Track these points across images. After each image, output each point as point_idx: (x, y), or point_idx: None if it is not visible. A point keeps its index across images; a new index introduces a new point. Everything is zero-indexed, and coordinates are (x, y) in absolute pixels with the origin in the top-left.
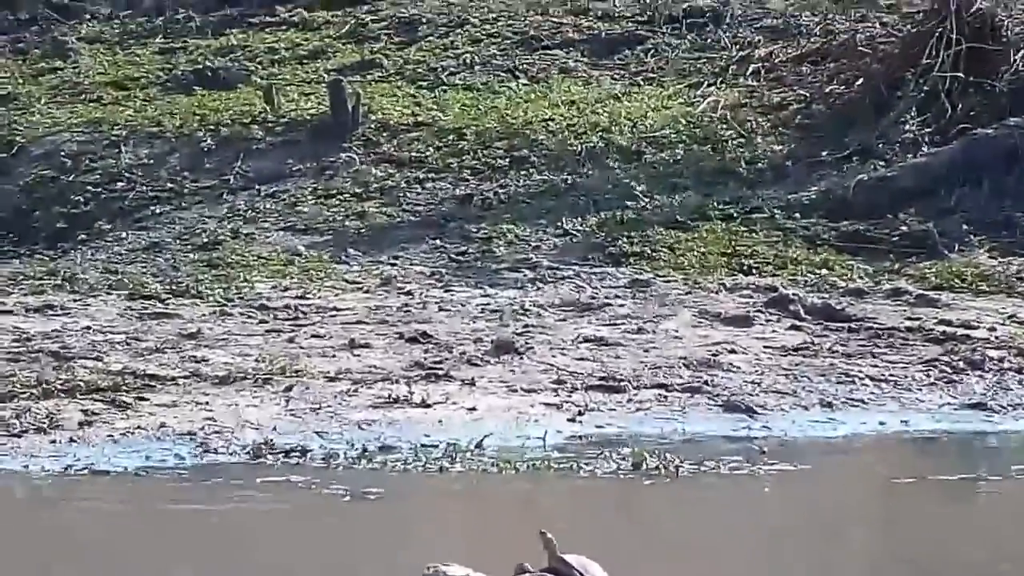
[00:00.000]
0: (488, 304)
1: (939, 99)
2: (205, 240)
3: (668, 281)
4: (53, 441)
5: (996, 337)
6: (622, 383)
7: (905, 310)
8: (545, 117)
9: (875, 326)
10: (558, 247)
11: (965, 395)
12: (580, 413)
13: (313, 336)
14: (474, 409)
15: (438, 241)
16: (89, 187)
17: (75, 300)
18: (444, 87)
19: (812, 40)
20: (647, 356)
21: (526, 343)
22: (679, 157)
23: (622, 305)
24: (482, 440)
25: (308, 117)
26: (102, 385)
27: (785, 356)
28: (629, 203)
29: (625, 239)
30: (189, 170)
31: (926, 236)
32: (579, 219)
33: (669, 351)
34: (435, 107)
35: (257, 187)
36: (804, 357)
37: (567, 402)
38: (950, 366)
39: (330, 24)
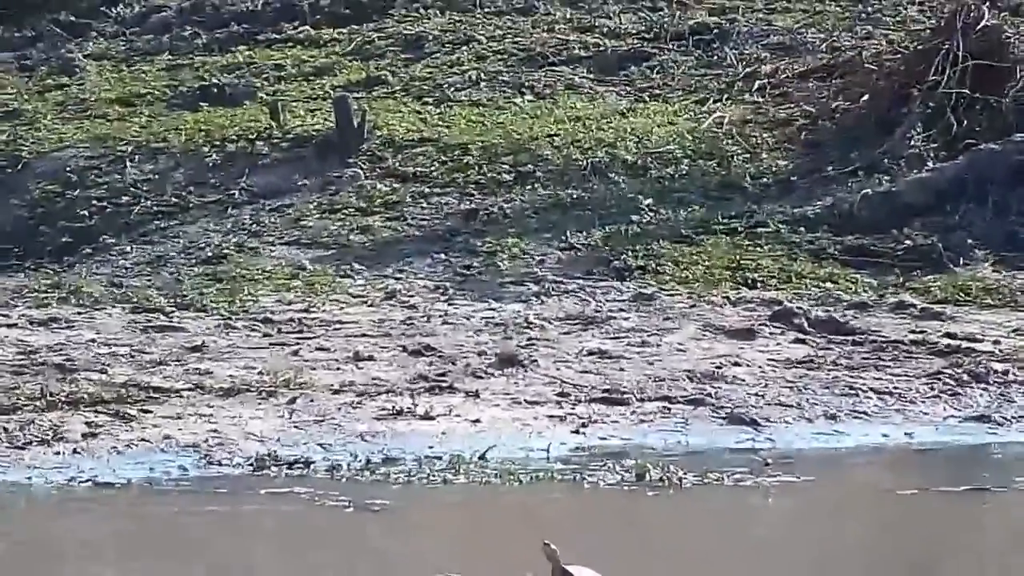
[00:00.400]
0: (492, 317)
1: (945, 115)
2: (210, 254)
3: (672, 295)
4: (57, 453)
5: (1000, 350)
6: (626, 396)
7: (910, 323)
8: (550, 133)
9: (880, 339)
10: (563, 261)
11: (969, 408)
12: (584, 425)
13: (317, 349)
14: (478, 421)
15: (443, 255)
16: (94, 202)
17: (80, 313)
18: (450, 103)
19: (818, 56)
20: (651, 369)
21: (530, 356)
22: (684, 172)
23: (626, 318)
24: (486, 452)
25: (314, 133)
26: (106, 397)
27: (789, 369)
28: (634, 217)
29: (630, 253)
30: (194, 185)
31: (931, 250)
32: (584, 233)
33: (673, 364)
34: (440, 123)
35: (262, 202)
36: (808, 370)
37: (571, 414)
38: (954, 379)
39: (336, 41)
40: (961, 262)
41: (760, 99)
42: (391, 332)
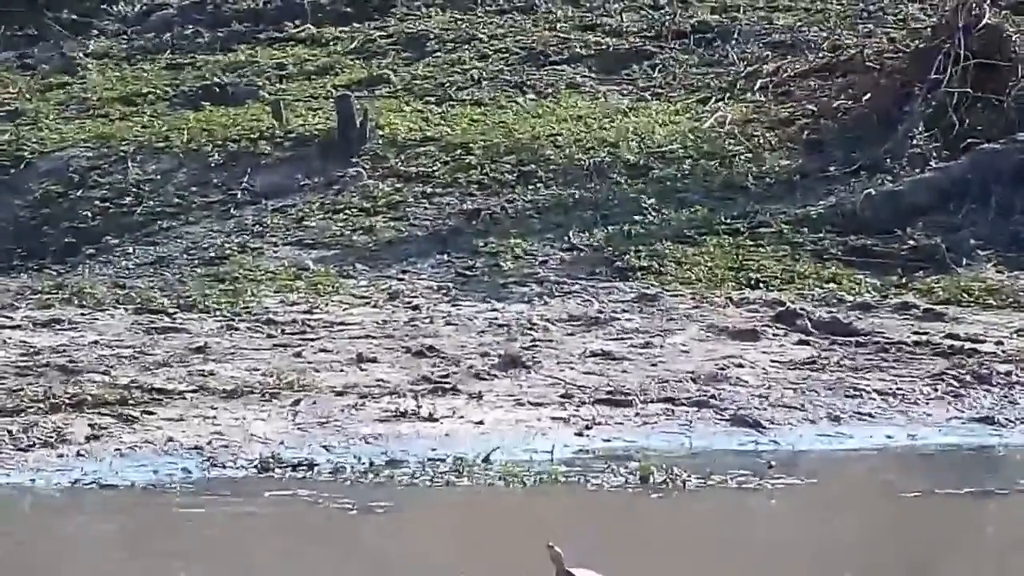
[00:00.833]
0: (495, 318)
1: (947, 114)
2: (212, 255)
3: (675, 295)
4: (61, 455)
5: (1003, 351)
6: (629, 397)
7: (913, 324)
8: (552, 132)
9: (883, 340)
10: (565, 261)
11: (972, 409)
12: (587, 427)
13: (320, 350)
14: (481, 423)
15: (445, 256)
16: (97, 202)
17: (83, 314)
18: (452, 102)
19: (820, 55)
20: (654, 370)
21: (533, 357)
22: (687, 172)
23: (629, 319)
24: (489, 454)
25: (316, 132)
26: (109, 399)
27: (793, 370)
28: (636, 218)
29: (632, 253)
30: (196, 185)
31: (934, 250)
32: (586, 233)
33: (676, 365)
34: (443, 122)
35: (264, 202)
36: (812, 371)
37: (574, 416)
38: (957, 380)
39: (338, 40)
40: (964, 262)
41: (762, 98)
42: (394, 333)
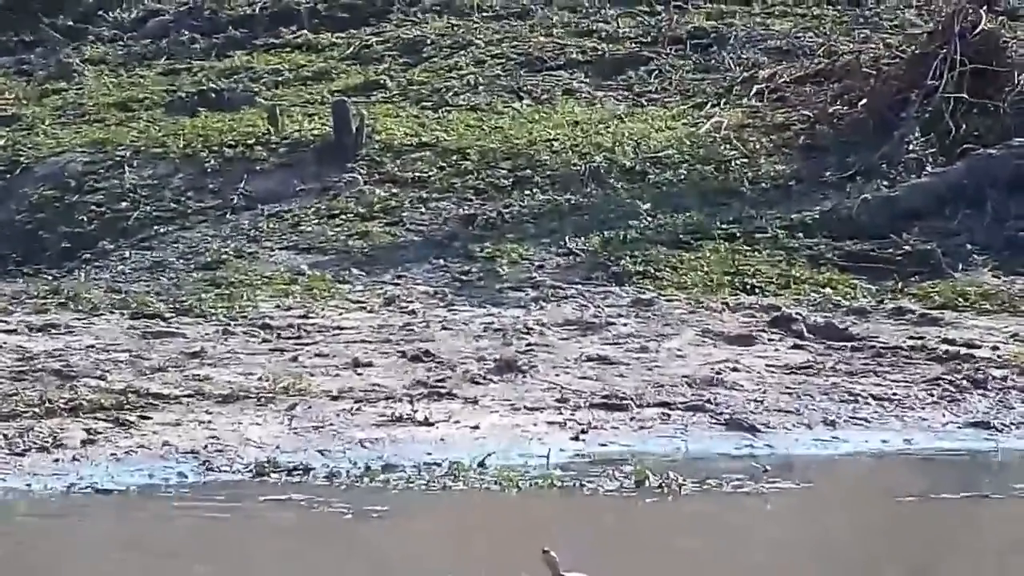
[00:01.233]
0: (491, 323)
1: (943, 120)
2: (208, 259)
3: (671, 300)
4: (56, 460)
5: (999, 356)
6: (625, 402)
7: (908, 329)
8: (549, 137)
9: (878, 345)
10: (561, 266)
11: (968, 414)
12: (583, 431)
13: (316, 355)
14: (477, 427)
15: (441, 260)
16: (93, 207)
17: (79, 319)
18: (448, 108)
19: (816, 61)
20: (650, 375)
21: (529, 362)
22: (682, 177)
23: (625, 324)
24: (485, 458)
25: (312, 138)
26: (105, 404)
27: (788, 375)
28: (632, 223)
29: (628, 258)
30: (193, 190)
31: (929, 255)
32: (582, 238)
33: (672, 370)
34: (439, 128)
35: (260, 207)
36: (807, 376)
37: (570, 420)
38: (953, 385)
39: (334, 46)
40: (960, 267)
41: (758, 103)
42: (390, 338)
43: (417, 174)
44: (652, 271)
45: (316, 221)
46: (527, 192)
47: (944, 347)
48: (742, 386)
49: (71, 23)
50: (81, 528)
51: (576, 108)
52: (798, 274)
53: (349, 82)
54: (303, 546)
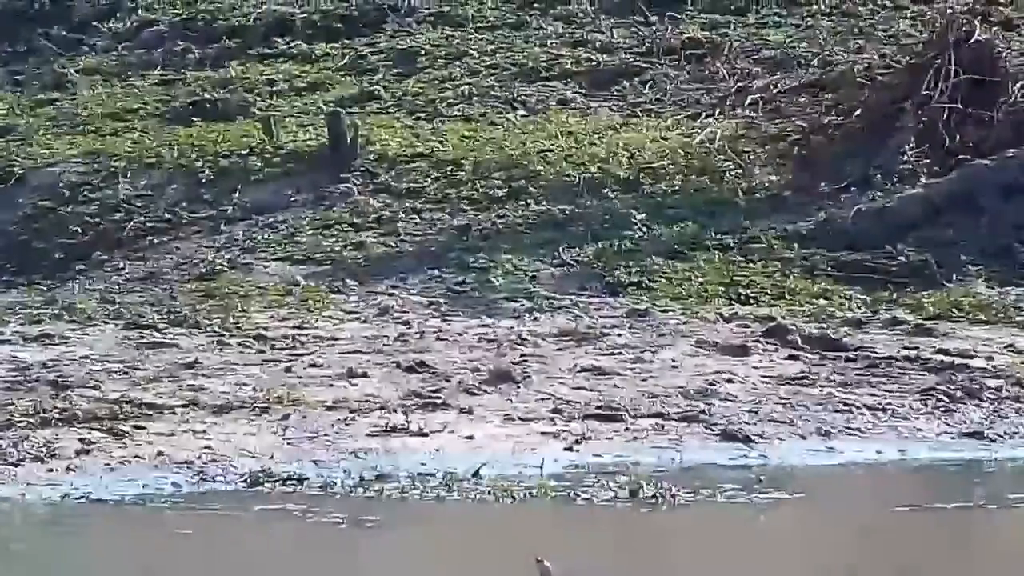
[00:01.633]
0: (485, 334)
1: (937, 130)
2: (203, 270)
3: (666, 311)
4: (51, 470)
5: (994, 366)
6: (619, 412)
7: (903, 340)
8: (543, 148)
9: (873, 356)
10: (556, 277)
11: (963, 424)
12: (577, 442)
13: (311, 365)
14: (471, 438)
15: (436, 271)
16: (87, 217)
17: (73, 329)
18: (442, 118)
19: (810, 71)
20: (644, 385)
21: (523, 372)
22: (677, 188)
23: (620, 335)
24: (479, 469)
25: (307, 148)
26: (99, 414)
27: (783, 385)
28: (627, 233)
29: (623, 269)
30: (187, 201)
31: (924, 266)
32: (577, 249)
33: (666, 380)
34: (433, 138)
35: (255, 218)
36: (802, 386)
37: (564, 431)
38: (948, 395)
39: (329, 56)
40: (954, 278)
41: (752, 114)
42: (384, 348)
43: (411, 185)
44: (647, 282)
45: (311, 232)
46: (521, 203)
47: (939, 357)
48: (736, 397)
49: (65, 33)
50: (75, 538)
51: (570, 119)
52: (793, 285)
53: (344, 93)
54: (297, 556)
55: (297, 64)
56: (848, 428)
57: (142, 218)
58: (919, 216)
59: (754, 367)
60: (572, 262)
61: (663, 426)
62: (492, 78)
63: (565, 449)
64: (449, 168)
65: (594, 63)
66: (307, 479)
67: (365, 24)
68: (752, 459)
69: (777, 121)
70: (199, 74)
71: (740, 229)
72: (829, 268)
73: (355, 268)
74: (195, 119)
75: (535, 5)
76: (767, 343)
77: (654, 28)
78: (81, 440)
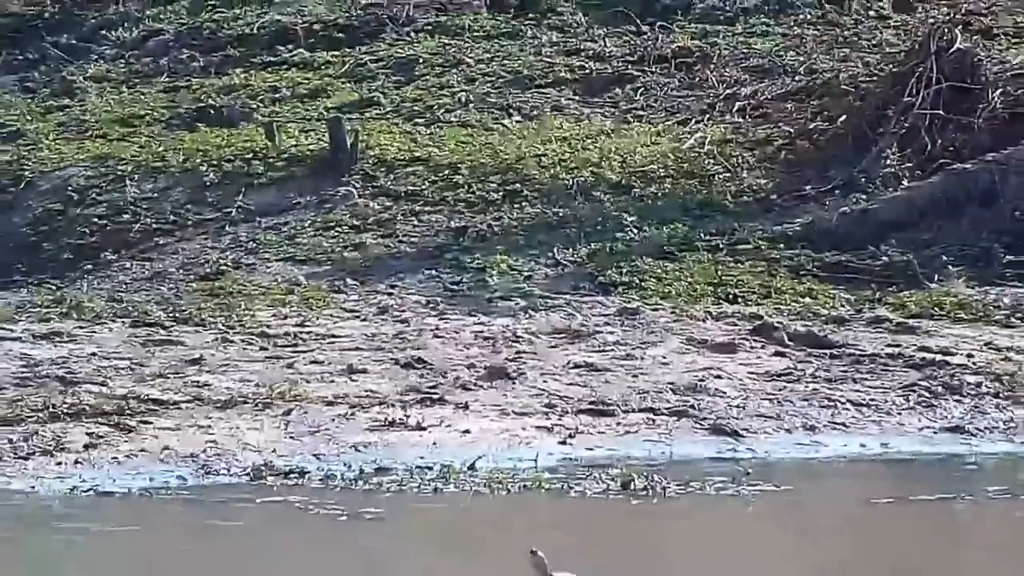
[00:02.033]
0: (481, 331)
1: (919, 135)
2: (208, 270)
3: (656, 309)
4: (59, 463)
5: (973, 363)
6: (611, 407)
7: (886, 337)
8: (537, 153)
9: (857, 352)
10: (549, 277)
11: (943, 419)
12: (570, 436)
13: (312, 362)
14: (468, 432)
15: (433, 271)
16: (95, 219)
17: (81, 327)
18: (440, 124)
19: (796, 79)
20: (635, 381)
21: (518, 369)
22: (667, 191)
23: (611, 332)
24: (475, 462)
25: (308, 153)
26: (107, 409)
27: (769, 381)
28: (618, 235)
29: (614, 269)
30: (192, 203)
31: (906, 266)
32: (570, 250)
33: (657, 376)
34: (431, 143)
35: (258, 219)
36: (788, 382)
37: (558, 425)
38: (929, 391)
39: (330, 64)
40: (936, 278)
41: (740, 120)
42: (383, 346)
43: (410, 188)
44: (637, 281)
45: (312, 233)
46: (516, 205)
47: (920, 354)
48: (724, 392)
49: (74, 42)
50: (82, 528)
51: (564, 124)
52: (779, 284)
53: (344, 99)
54: (298, 547)
55: (299, 72)
56: (833, 423)
57: (148, 220)
58: (902, 218)
59: (741, 364)
60: (565, 262)
61: (654, 421)
62: (488, 85)
63: (559, 443)
64: (446, 172)
65: (587, 71)
66: (308, 472)
67: (365, 33)
68: (740, 453)
69: (764, 126)
70: (203, 81)
71: (728, 231)
72: (814, 268)
73: (355, 268)
74: (200, 125)
75: (530, 15)
76: (754, 341)
77: (645, 37)
78: (89, 434)
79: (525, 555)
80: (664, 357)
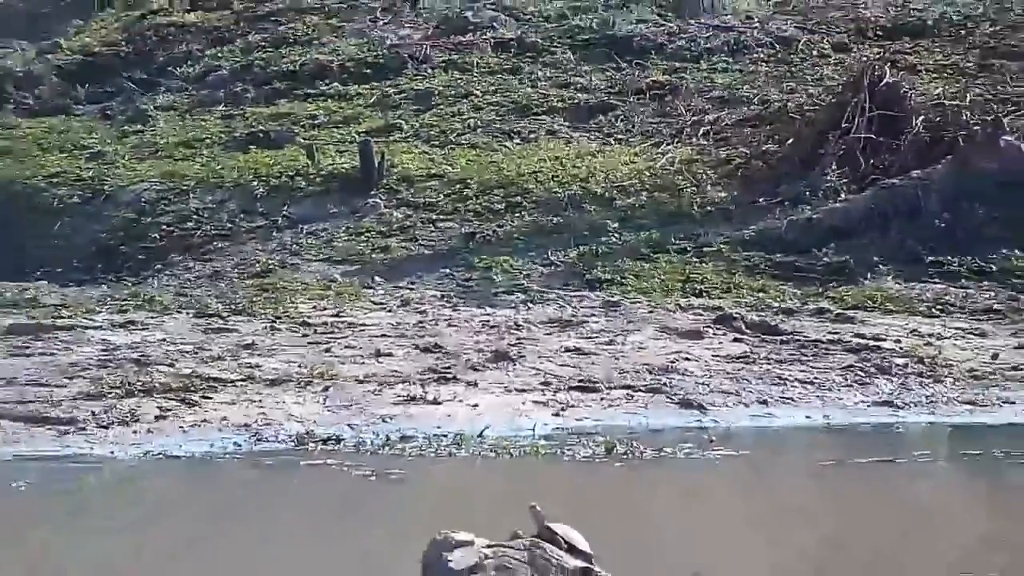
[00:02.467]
0: (488, 321)
1: (855, 156)
2: (258, 269)
3: (634, 303)
4: (135, 432)
5: (901, 347)
6: (597, 385)
7: (827, 326)
8: (534, 170)
9: (803, 339)
10: (545, 275)
11: (876, 395)
12: (563, 409)
13: (346, 347)
14: (476, 406)
15: (447, 270)
16: (164, 227)
17: (152, 317)
18: (452, 146)
19: (752, 108)
20: (617, 363)
21: (519, 352)
22: (643, 202)
23: (597, 322)
24: (483, 431)
25: (342, 170)
26: (174, 386)
27: (730, 363)
28: (603, 239)
29: (599, 268)
30: (245, 213)
31: (844, 266)
32: (562, 252)
33: (635, 359)
34: (445, 162)
35: (300, 227)
36: (745, 364)
37: (552, 400)
38: (863, 371)
39: (360, 95)
40: (869, 276)
41: (705, 143)
42: (406, 333)
43: (427, 200)
44: (619, 279)
45: (346, 238)
46: (517, 214)
47: (856, 340)
48: (692, 372)
49: (146, 76)
50: (155, 487)
51: (556, 146)
52: (738, 281)
53: (372, 125)
54: (334, 502)
55: (334, 102)
56: (783, 398)
57: (208, 227)
58: (841, 226)
59: (706, 348)
60: (558, 262)
61: (632, 396)
62: (493, 113)
63: (552, 415)
64: (458, 186)
65: (576, 101)
66: (343, 439)
67: (390, 70)
68: (705, 423)
69: (725, 148)
70: (255, 110)
71: (695, 236)
72: (767, 268)
73: (382, 267)
74: (251, 147)
75: (528, 54)
76: (717, 328)
77: (625, 72)
78: (159, 408)
79: (526, 508)
80: (641, 343)
